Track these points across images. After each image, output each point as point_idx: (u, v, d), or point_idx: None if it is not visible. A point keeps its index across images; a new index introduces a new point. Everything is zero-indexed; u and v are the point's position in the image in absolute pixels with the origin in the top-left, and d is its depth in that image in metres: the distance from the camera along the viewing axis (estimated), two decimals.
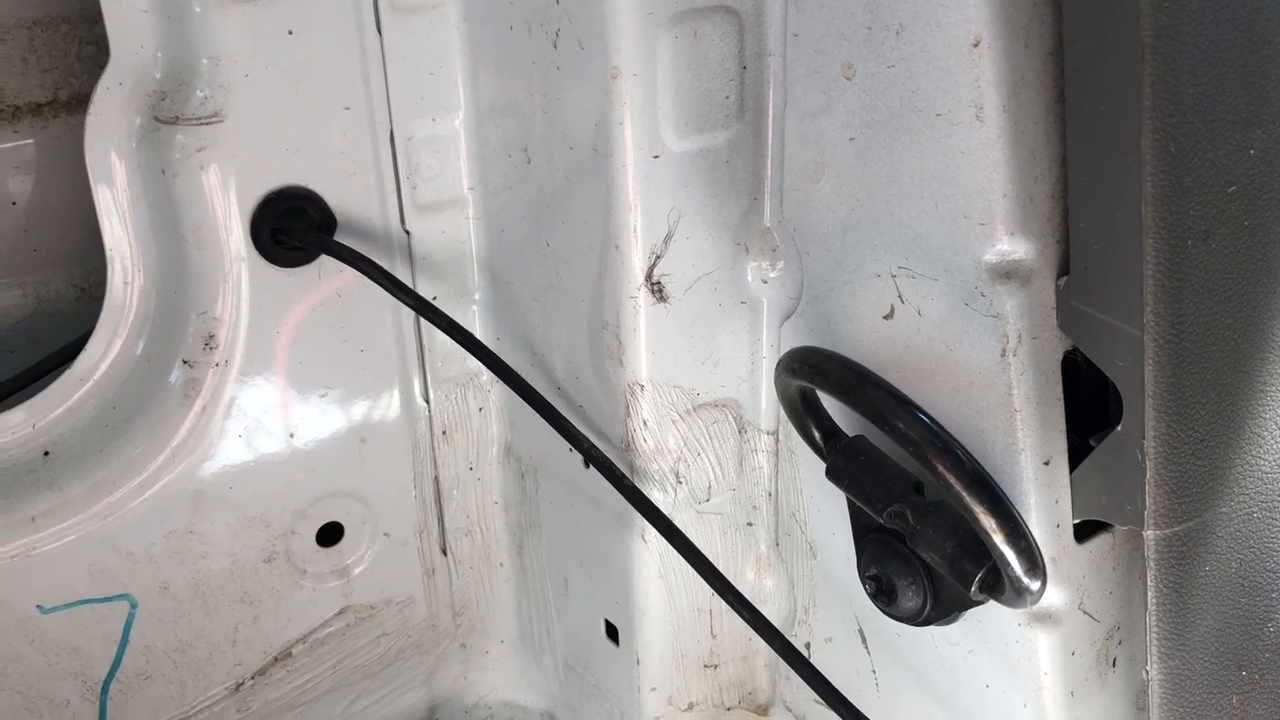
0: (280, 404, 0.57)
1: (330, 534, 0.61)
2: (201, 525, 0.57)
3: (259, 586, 0.59)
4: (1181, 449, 0.43)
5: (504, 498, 0.65)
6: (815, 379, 0.45)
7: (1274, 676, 0.48)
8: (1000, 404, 0.45)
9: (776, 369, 0.48)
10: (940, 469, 0.41)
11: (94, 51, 0.64)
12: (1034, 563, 0.42)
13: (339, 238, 0.56)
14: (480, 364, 0.62)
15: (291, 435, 0.58)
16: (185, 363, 0.55)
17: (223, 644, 0.57)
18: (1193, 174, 0.40)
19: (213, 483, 0.56)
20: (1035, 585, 0.42)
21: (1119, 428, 0.44)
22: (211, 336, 0.54)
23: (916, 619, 0.48)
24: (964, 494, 0.41)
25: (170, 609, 0.56)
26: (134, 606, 0.54)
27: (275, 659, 0.60)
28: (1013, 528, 0.41)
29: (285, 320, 0.56)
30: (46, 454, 0.54)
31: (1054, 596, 0.47)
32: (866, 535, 0.49)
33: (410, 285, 0.59)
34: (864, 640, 0.56)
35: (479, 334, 0.61)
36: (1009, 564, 0.41)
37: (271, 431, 0.57)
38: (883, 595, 0.48)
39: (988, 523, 0.41)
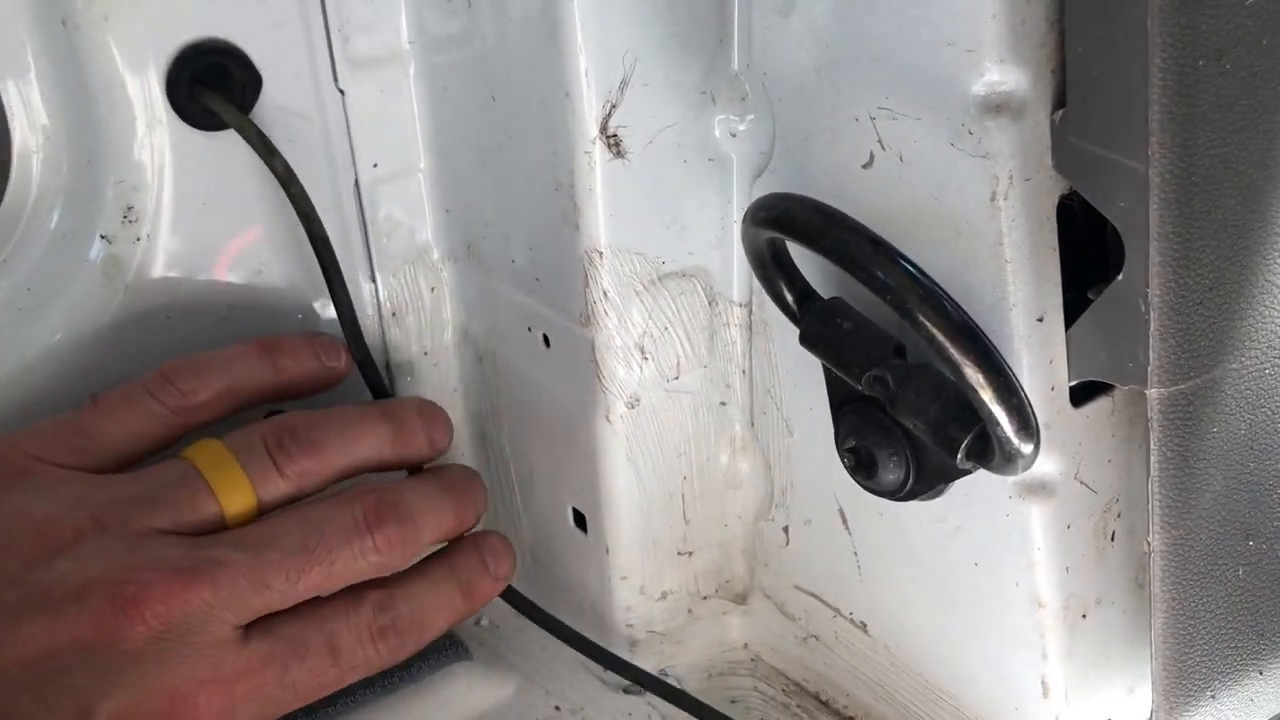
0: (212, 282, 0.53)
1: None
2: None
3: None
4: (1189, 297, 0.39)
5: (462, 384, 0.61)
6: (784, 227, 0.41)
7: None
8: (990, 254, 0.41)
9: (744, 221, 0.43)
10: (922, 318, 0.37)
11: None
12: (1026, 422, 0.38)
13: (266, 97, 0.51)
14: (430, 240, 0.58)
15: (226, 317, 0.54)
16: (104, 238, 0.50)
17: None
18: None
19: (142, 370, 0.52)
20: (1027, 448, 0.38)
21: (1120, 277, 0.40)
22: (130, 208, 0.50)
23: (898, 493, 0.44)
24: (949, 346, 0.37)
25: None
26: None
27: None
28: (1003, 382, 0.37)
29: (212, 189, 0.51)
30: None
31: (1048, 465, 0.44)
32: (844, 405, 0.45)
33: (349, 152, 0.54)
34: (845, 521, 0.52)
35: (426, 207, 0.57)
36: (998, 423, 0.38)
37: (204, 313, 0.53)
38: (862, 469, 0.45)
39: (975, 378, 0.37)
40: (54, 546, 0.41)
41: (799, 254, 0.45)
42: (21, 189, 0.50)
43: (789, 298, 0.45)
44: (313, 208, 0.51)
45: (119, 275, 0.51)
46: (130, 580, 0.40)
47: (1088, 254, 0.43)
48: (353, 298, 0.56)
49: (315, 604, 0.44)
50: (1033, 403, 0.40)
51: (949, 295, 0.39)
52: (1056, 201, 0.41)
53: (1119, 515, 0.46)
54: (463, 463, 0.62)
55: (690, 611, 0.60)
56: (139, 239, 0.51)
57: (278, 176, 0.50)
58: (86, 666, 0.40)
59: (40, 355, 0.51)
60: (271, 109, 0.51)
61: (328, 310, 0.56)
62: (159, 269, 0.51)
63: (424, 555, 0.49)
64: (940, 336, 0.37)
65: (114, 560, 0.41)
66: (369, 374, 0.53)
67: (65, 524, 0.42)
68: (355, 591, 0.45)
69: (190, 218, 0.51)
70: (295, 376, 0.49)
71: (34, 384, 0.51)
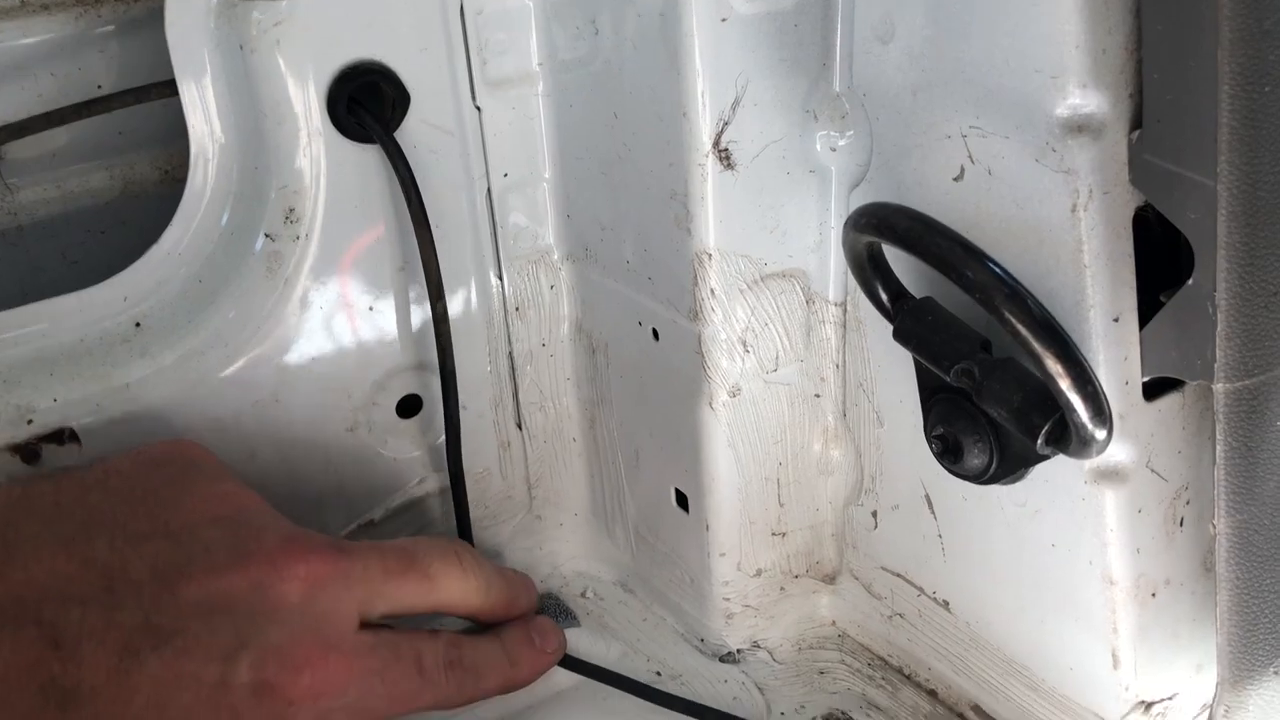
0: (359, 278, 0.59)
1: (410, 406, 0.63)
2: (286, 395, 0.59)
3: (342, 455, 0.61)
4: (1254, 301, 0.43)
5: (575, 373, 0.66)
6: (882, 232, 0.46)
7: None
8: (1070, 260, 0.45)
9: (844, 226, 0.48)
10: (1007, 314, 0.42)
11: None
12: (1100, 409, 0.42)
13: (413, 112, 0.57)
14: (552, 242, 0.64)
15: (370, 309, 0.60)
16: (268, 235, 0.56)
17: (308, 511, 0.60)
18: (1272, 17, 0.40)
19: (296, 354, 0.58)
20: (1101, 434, 0.43)
21: (1190, 281, 0.44)
22: (291, 210, 0.56)
23: (983, 476, 0.49)
24: (1031, 340, 0.41)
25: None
26: None
27: (359, 526, 0.63)
28: (1079, 373, 0.41)
29: (363, 194, 0.57)
30: (138, 325, 0.56)
31: (1121, 454, 0.48)
32: (934, 395, 0.50)
33: (484, 162, 0.60)
34: (930, 506, 0.57)
35: (549, 212, 0.63)
36: (1075, 411, 0.42)
37: (351, 305, 0.59)
38: (949, 454, 0.49)
39: (1054, 369, 0.41)
40: (248, 506, 0.50)
41: (893, 257, 0.50)
42: (197, 191, 0.56)
43: (884, 297, 0.50)
44: (428, 229, 0.57)
45: (280, 270, 0.57)
46: (299, 543, 0.49)
47: (1161, 260, 0.47)
48: (482, 293, 0.62)
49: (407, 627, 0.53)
50: (1108, 396, 0.44)
51: (1032, 295, 0.43)
52: (1133, 213, 0.45)
53: (1188, 502, 0.50)
54: (576, 447, 0.68)
55: (783, 589, 0.64)
56: (298, 238, 0.57)
57: (409, 202, 0.57)
58: (249, 606, 0.47)
59: (210, 339, 0.57)
60: (417, 123, 0.57)
61: (461, 303, 0.62)
62: (314, 264, 0.58)
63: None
64: (1023, 330, 0.42)
65: (289, 529, 0.50)
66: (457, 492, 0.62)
67: (254, 499, 0.52)
68: (434, 629, 0.54)
69: (343, 219, 0.57)
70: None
71: (205, 365, 0.57)
